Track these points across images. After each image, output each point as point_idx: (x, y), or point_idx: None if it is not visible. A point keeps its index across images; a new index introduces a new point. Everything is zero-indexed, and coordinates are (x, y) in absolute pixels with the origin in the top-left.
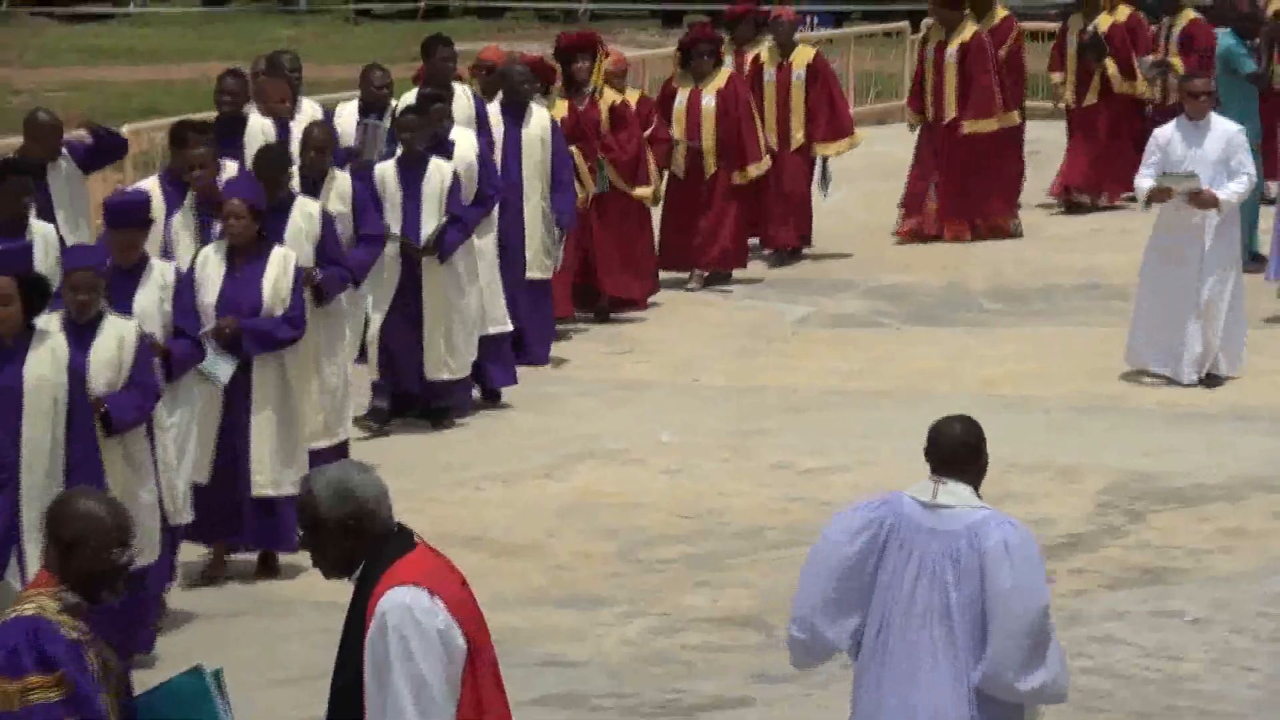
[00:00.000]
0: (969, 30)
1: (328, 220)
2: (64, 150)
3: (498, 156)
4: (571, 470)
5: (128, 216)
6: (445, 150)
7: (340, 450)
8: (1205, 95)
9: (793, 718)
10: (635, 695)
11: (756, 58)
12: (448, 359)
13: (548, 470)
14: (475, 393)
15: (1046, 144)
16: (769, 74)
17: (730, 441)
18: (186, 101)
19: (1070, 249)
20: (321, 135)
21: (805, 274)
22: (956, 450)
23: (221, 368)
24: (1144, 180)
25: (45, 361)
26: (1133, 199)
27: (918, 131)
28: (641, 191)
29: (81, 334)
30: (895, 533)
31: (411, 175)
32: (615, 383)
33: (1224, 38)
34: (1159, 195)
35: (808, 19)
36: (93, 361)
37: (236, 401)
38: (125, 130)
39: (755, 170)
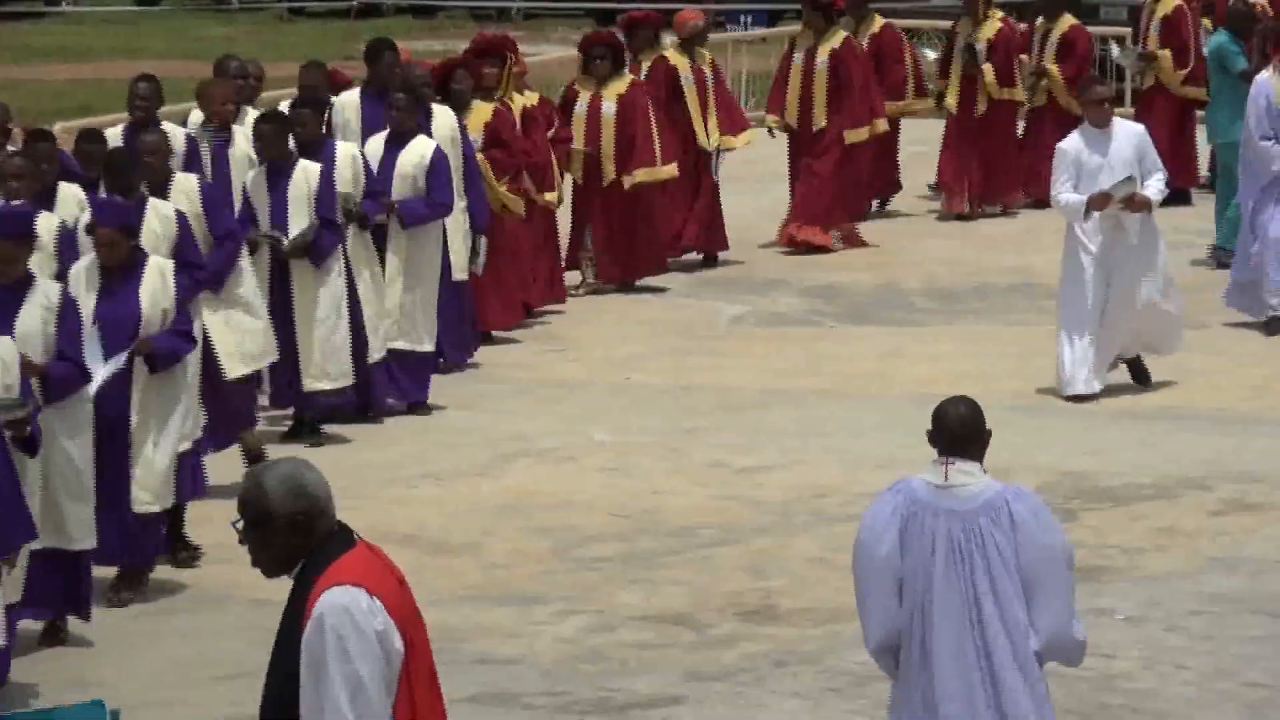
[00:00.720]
0: (839, 37)
1: (183, 221)
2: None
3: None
4: (506, 469)
5: (4, 228)
6: (321, 154)
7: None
8: (1108, 101)
9: (725, 716)
10: (569, 693)
11: (663, 59)
12: (325, 367)
13: (482, 469)
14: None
15: (933, 143)
16: (685, 76)
17: (665, 440)
18: (119, 101)
19: (1002, 249)
20: (155, 141)
21: (739, 273)
22: (964, 429)
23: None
24: (1069, 194)
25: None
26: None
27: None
28: (549, 197)
29: None
30: (913, 519)
31: (277, 178)
32: (549, 382)
33: (1217, 35)
34: (1099, 203)
35: (742, 18)
36: None
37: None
38: (58, 128)
39: (645, 176)
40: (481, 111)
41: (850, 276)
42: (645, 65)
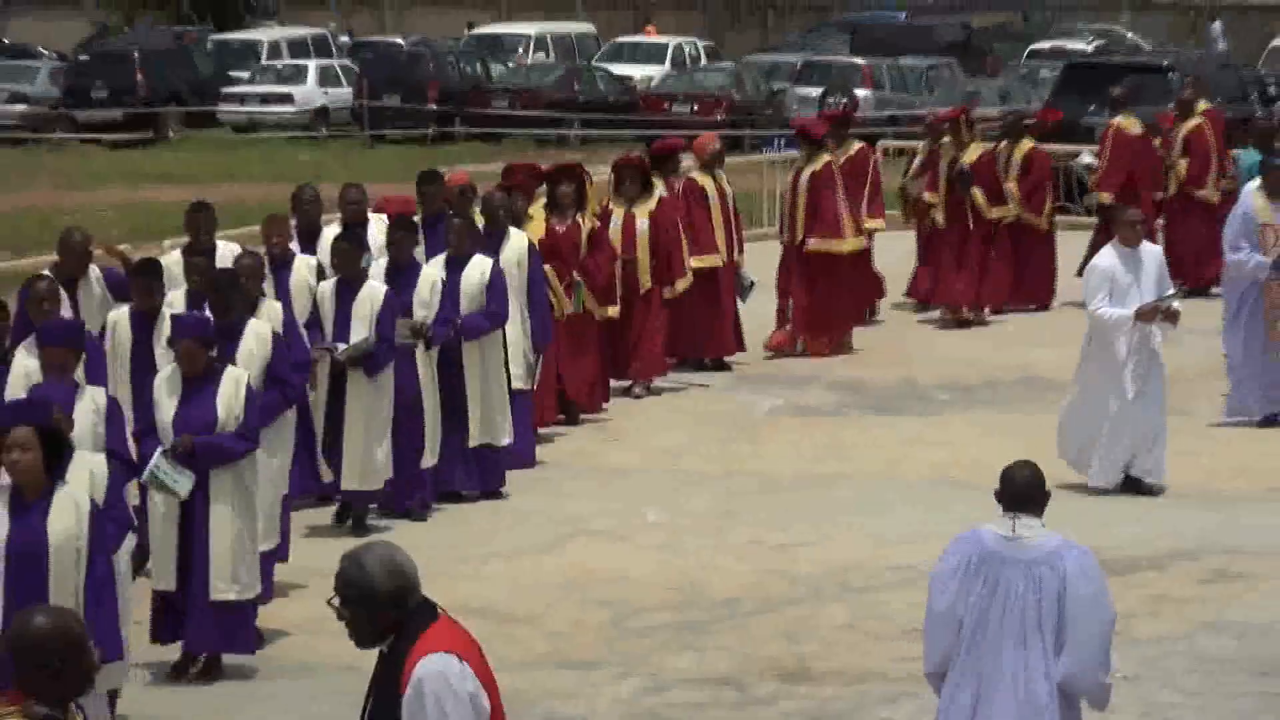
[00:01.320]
0: (821, 160)
1: (277, 340)
2: (99, 275)
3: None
4: (566, 547)
5: (56, 336)
6: (406, 275)
7: (279, 552)
8: (1140, 223)
9: None
10: None
11: (692, 180)
12: (363, 471)
13: (544, 548)
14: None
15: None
16: (711, 195)
17: (709, 521)
18: (220, 221)
19: (1008, 346)
20: (249, 263)
21: (771, 370)
22: (1029, 489)
23: (181, 483)
24: (1110, 309)
25: (69, 513)
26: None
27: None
28: (612, 311)
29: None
30: (980, 566)
31: (346, 294)
32: (604, 469)
33: (1247, 153)
34: (1149, 316)
35: (775, 140)
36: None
37: (195, 511)
38: (166, 244)
39: (683, 285)
40: (534, 229)
41: (872, 372)
42: (676, 185)
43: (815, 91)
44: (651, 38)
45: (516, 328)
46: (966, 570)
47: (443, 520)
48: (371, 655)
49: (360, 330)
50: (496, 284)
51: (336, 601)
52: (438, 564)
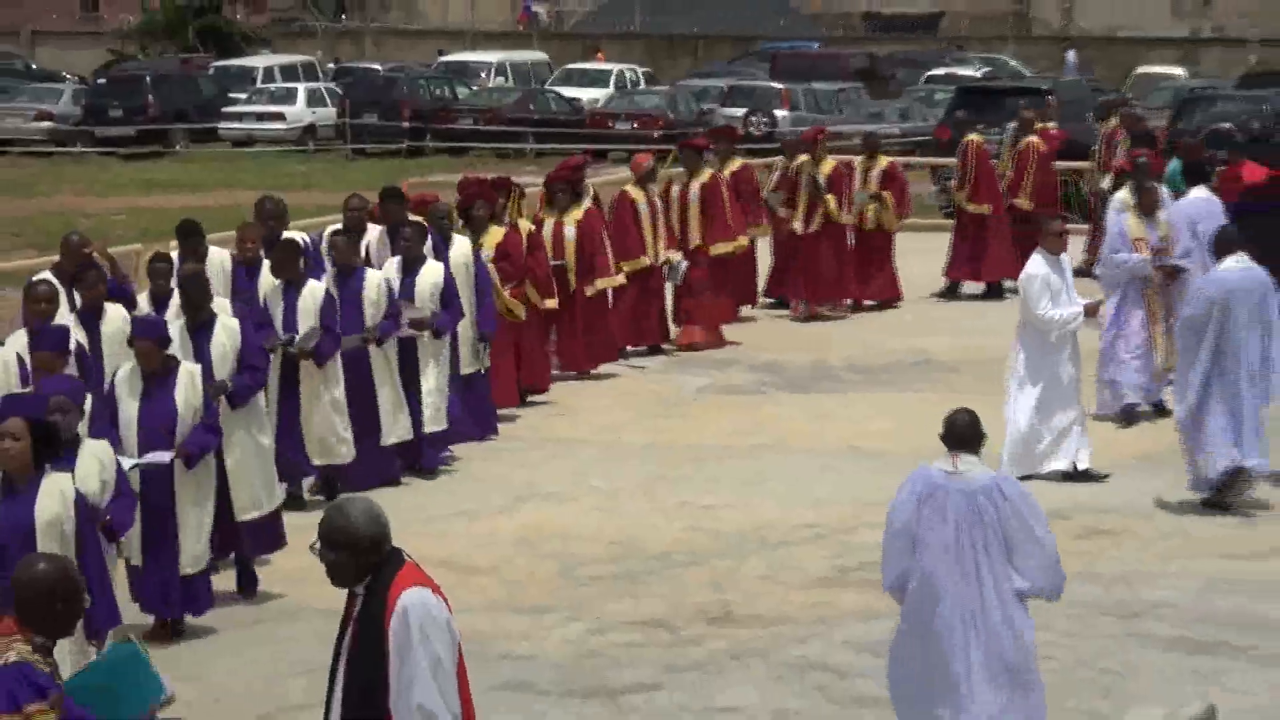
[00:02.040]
0: (706, 173)
1: (246, 330)
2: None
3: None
4: (521, 509)
5: (47, 343)
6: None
7: (276, 516)
8: (1064, 233)
9: (694, 698)
10: (573, 682)
11: (625, 193)
12: (325, 446)
13: (502, 509)
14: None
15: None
16: (642, 206)
17: (645, 485)
18: (220, 224)
19: (906, 334)
20: (195, 269)
21: (699, 355)
22: (967, 431)
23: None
24: (1056, 310)
25: (56, 499)
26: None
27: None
28: (550, 303)
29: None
30: (929, 496)
31: (290, 296)
32: (554, 441)
33: (1173, 163)
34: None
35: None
36: (79, 479)
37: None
38: (172, 245)
39: (602, 284)
40: (495, 234)
41: (788, 356)
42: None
43: (739, 111)
44: (598, 64)
45: (465, 320)
46: (919, 500)
47: (414, 485)
48: None
49: (307, 324)
50: (452, 287)
51: (319, 547)
52: (409, 523)
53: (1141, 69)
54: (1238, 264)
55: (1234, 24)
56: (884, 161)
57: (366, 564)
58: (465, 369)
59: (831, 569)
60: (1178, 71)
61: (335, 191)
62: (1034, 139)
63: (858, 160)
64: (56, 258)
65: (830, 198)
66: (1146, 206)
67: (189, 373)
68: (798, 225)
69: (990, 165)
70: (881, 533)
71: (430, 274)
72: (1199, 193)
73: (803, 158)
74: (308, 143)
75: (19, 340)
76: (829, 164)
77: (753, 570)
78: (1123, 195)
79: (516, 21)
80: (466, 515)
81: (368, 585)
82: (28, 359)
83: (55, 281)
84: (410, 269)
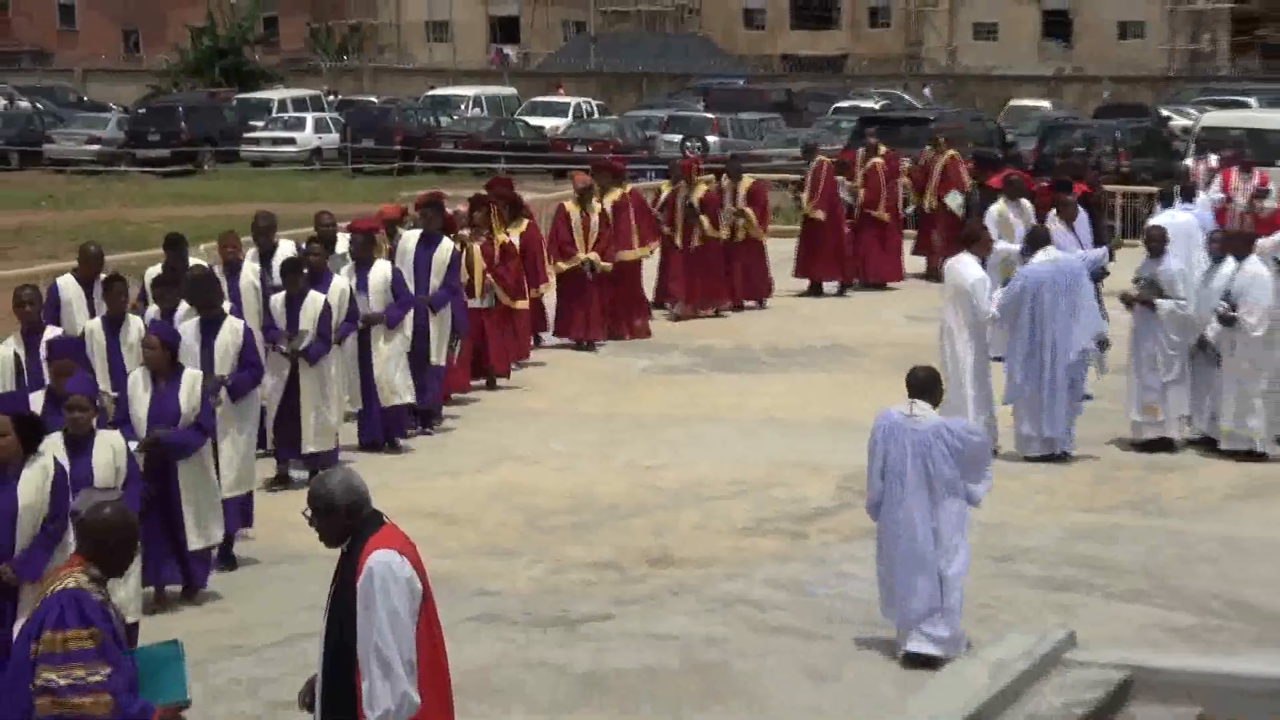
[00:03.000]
0: (617, 192)
1: (248, 333)
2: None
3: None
4: (495, 468)
5: (63, 348)
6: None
7: (249, 496)
8: (993, 241)
9: (640, 626)
10: (538, 613)
11: (562, 207)
12: (315, 435)
13: (479, 468)
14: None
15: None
16: (575, 220)
17: (598, 449)
18: (242, 229)
19: (816, 323)
20: (202, 272)
21: (643, 341)
22: (923, 382)
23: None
24: (993, 307)
25: (35, 484)
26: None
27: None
28: (520, 304)
29: (79, 447)
30: (891, 433)
31: (294, 304)
32: (523, 412)
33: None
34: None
35: (648, 172)
36: (96, 465)
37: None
38: (203, 248)
39: (545, 290)
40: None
41: (716, 341)
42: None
43: (677, 137)
44: (559, 97)
45: (444, 315)
46: (885, 435)
47: (406, 451)
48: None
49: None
50: (399, 279)
51: (308, 513)
52: (401, 479)
53: (1014, 102)
54: (1046, 257)
55: (1090, 64)
56: (748, 182)
57: (345, 527)
58: (435, 360)
59: (753, 519)
60: (1044, 104)
61: (338, 204)
62: (879, 160)
63: (726, 182)
64: (112, 257)
65: (704, 218)
66: (1068, 216)
67: (192, 378)
68: (678, 240)
69: (835, 181)
70: (792, 491)
71: (381, 271)
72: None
73: (681, 180)
74: (315, 163)
75: (13, 342)
76: (701, 188)
77: (688, 520)
78: (999, 207)
79: (491, 62)
80: (449, 474)
81: (348, 546)
82: (24, 359)
83: (40, 287)
84: (366, 266)
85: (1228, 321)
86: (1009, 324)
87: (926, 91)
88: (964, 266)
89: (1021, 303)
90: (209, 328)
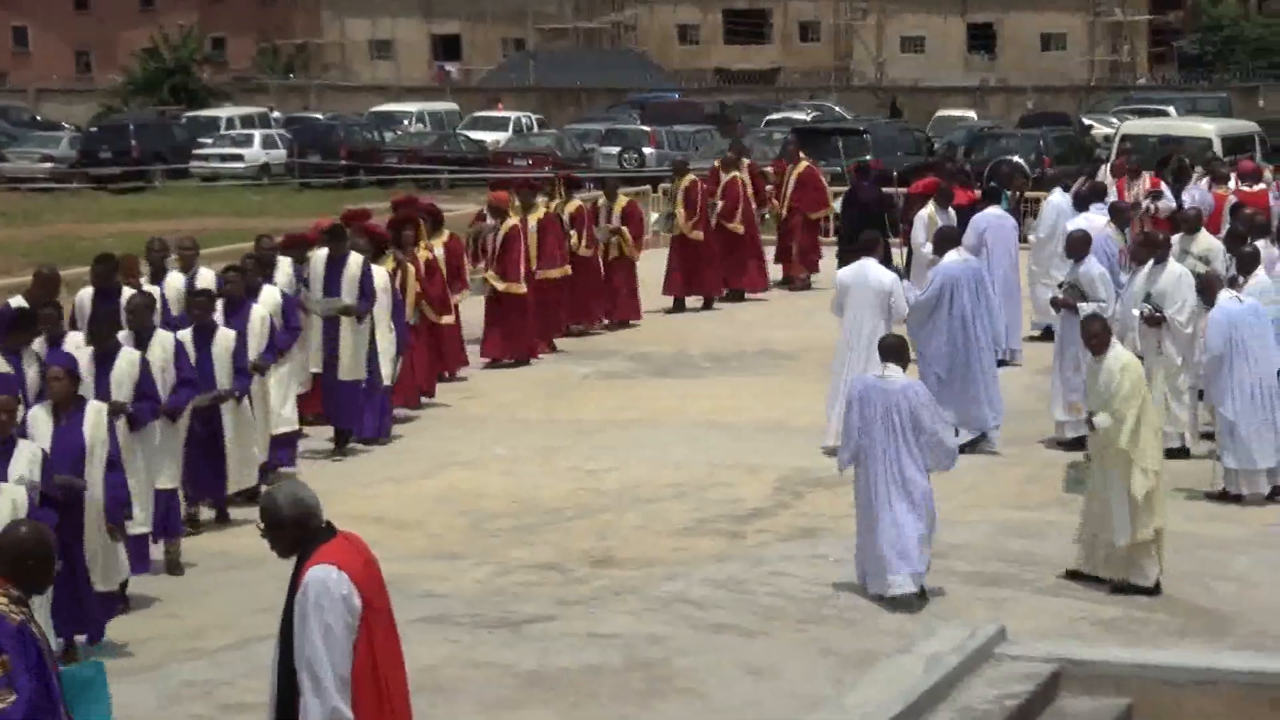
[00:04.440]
0: (541, 210)
1: (145, 365)
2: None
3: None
4: (440, 473)
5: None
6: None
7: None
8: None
9: (581, 625)
10: (483, 614)
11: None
12: (242, 471)
13: (425, 474)
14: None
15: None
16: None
17: (540, 453)
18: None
19: (750, 329)
20: (141, 300)
21: (586, 347)
22: (892, 348)
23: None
24: (910, 295)
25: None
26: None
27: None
28: (445, 319)
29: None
30: (866, 394)
31: (202, 341)
32: (466, 418)
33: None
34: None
35: (586, 184)
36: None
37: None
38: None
39: (460, 298)
40: (387, 263)
41: (655, 348)
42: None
43: (615, 150)
44: (499, 112)
45: (392, 336)
46: (860, 395)
47: (352, 456)
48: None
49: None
50: (290, 303)
51: (260, 525)
52: (350, 485)
53: (941, 112)
54: (959, 256)
55: (1014, 74)
56: (624, 200)
57: (292, 539)
58: (387, 381)
59: (692, 520)
60: (970, 114)
61: (285, 218)
62: (738, 174)
63: (602, 201)
64: (65, 272)
65: (573, 233)
66: (941, 200)
67: (96, 409)
68: (587, 253)
69: (707, 200)
70: (730, 492)
71: (353, 263)
72: (993, 210)
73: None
74: (263, 178)
75: None
76: (572, 205)
77: (628, 522)
78: (929, 211)
79: (433, 78)
80: (394, 480)
81: (297, 559)
82: None
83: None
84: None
85: (1155, 322)
86: (927, 319)
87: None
88: (876, 270)
89: (942, 297)
90: (104, 359)
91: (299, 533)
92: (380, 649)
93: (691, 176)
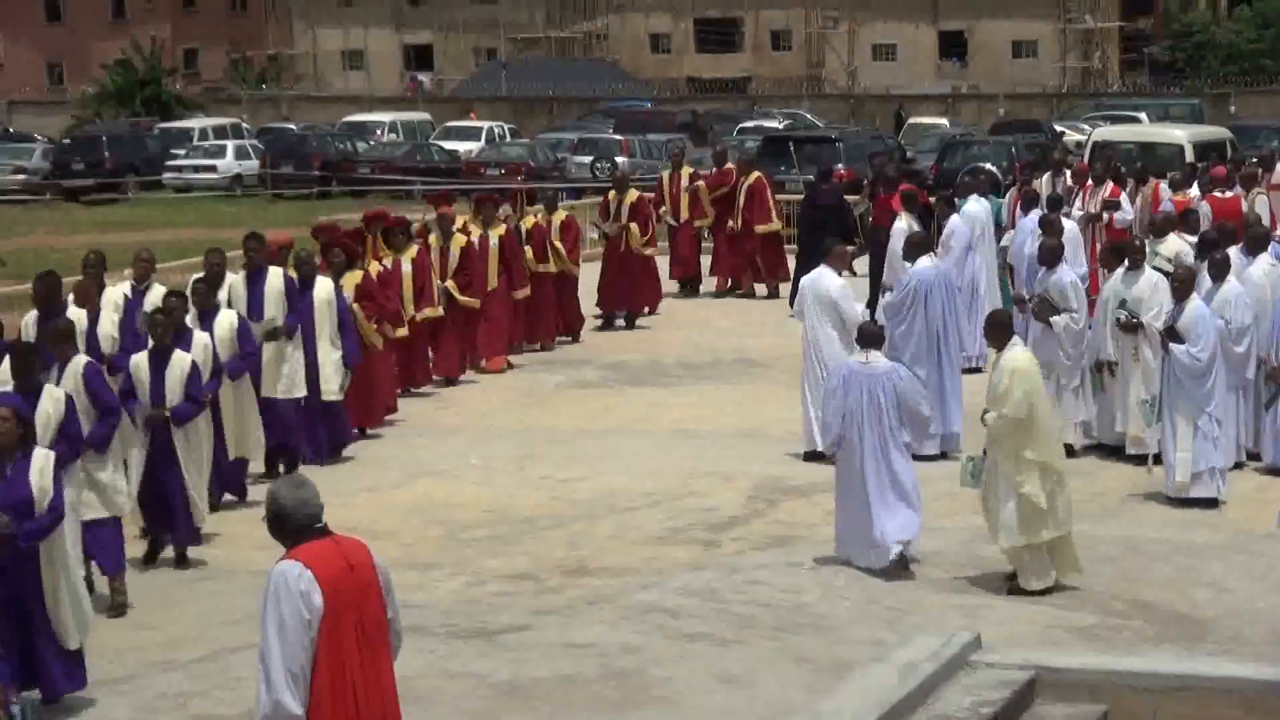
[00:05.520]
0: (501, 227)
1: (69, 402)
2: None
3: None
4: (414, 483)
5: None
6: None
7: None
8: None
9: (557, 635)
10: (458, 624)
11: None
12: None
13: (399, 483)
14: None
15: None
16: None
17: (514, 462)
18: (164, 255)
19: (725, 337)
20: (62, 327)
21: (559, 356)
22: (873, 335)
23: None
24: (857, 306)
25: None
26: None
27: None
28: (400, 333)
29: None
30: (850, 379)
31: (157, 363)
32: (440, 428)
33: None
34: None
35: (559, 193)
36: None
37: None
38: (126, 272)
39: (431, 312)
40: (354, 276)
41: (629, 356)
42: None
43: (587, 159)
44: (472, 122)
45: (333, 352)
46: (844, 381)
47: (326, 466)
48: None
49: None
50: (243, 326)
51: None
52: (323, 495)
53: (913, 120)
54: (930, 262)
55: (986, 82)
56: (562, 214)
57: (279, 536)
58: (327, 397)
59: (666, 529)
60: (942, 122)
61: (258, 228)
62: (645, 194)
63: (542, 216)
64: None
65: (528, 248)
66: (906, 205)
67: (43, 456)
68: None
69: (655, 214)
70: (704, 501)
71: (274, 278)
72: (976, 210)
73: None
74: (236, 189)
75: None
76: (530, 219)
77: (603, 531)
78: (904, 223)
79: (405, 89)
80: (368, 490)
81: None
82: None
83: None
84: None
85: (1131, 329)
86: (901, 321)
87: (1002, 112)
88: (826, 279)
89: (916, 300)
90: (28, 399)
91: (277, 532)
92: (350, 658)
93: (636, 193)
